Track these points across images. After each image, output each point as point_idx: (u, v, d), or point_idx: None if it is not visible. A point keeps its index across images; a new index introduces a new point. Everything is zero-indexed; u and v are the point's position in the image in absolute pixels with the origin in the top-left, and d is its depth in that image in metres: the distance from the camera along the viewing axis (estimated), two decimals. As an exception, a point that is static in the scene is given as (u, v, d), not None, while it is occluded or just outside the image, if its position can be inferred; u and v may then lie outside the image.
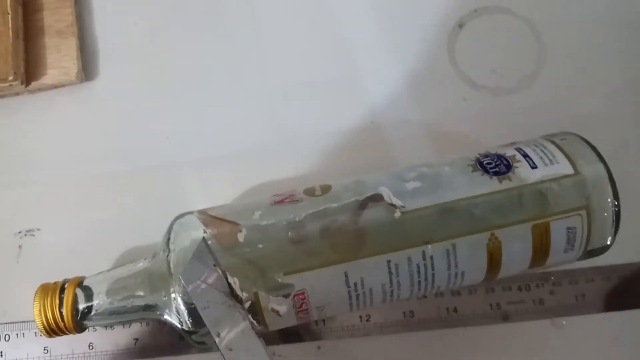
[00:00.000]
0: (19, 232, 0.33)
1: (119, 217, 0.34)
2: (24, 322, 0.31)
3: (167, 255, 0.26)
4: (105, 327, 0.31)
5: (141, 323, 0.31)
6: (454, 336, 0.32)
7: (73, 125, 0.35)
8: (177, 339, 0.31)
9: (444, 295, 0.32)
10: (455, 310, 0.32)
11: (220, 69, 0.37)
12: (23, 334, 0.31)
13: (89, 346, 0.31)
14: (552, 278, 0.33)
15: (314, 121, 0.35)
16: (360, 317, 0.32)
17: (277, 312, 0.26)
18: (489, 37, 0.37)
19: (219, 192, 0.33)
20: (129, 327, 0.31)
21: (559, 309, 0.32)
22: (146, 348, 0.31)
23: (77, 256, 0.32)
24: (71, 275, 0.28)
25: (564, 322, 0.32)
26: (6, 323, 0.31)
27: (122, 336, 0.31)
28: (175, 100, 0.36)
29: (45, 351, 0.31)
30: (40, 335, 0.28)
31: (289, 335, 0.31)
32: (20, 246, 0.33)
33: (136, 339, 0.31)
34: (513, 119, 0.35)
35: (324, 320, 0.32)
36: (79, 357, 0.31)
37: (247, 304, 0.26)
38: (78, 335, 0.28)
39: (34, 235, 0.33)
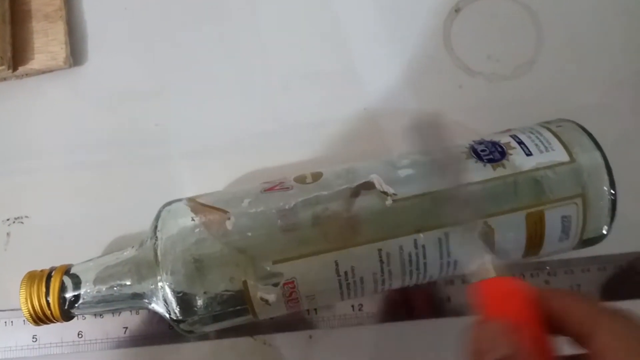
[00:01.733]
0: (7, 220, 0.33)
1: (109, 204, 0.33)
2: (12, 310, 0.31)
3: (154, 244, 0.26)
4: (95, 315, 0.31)
5: (131, 311, 0.31)
6: (448, 325, 0.31)
7: (61, 112, 0.35)
8: (168, 328, 0.31)
9: (437, 285, 0.32)
10: (448, 299, 0.32)
11: (213, 56, 0.36)
12: (12, 322, 0.31)
13: (78, 334, 0.31)
14: (547, 268, 0.32)
15: (308, 109, 0.35)
16: (353, 306, 0.31)
17: (266, 301, 0.26)
18: (486, 22, 0.36)
19: (211, 181, 0.33)
20: (119, 315, 0.31)
21: (553, 299, 0.32)
22: (136, 337, 0.31)
23: (66, 244, 0.32)
24: (60, 263, 0.28)
25: (559, 312, 0.32)
26: (-6, 311, 0.31)
27: (111, 325, 0.31)
28: (165, 87, 0.35)
29: (34, 339, 0.31)
30: (29, 323, 0.27)
31: (281, 325, 0.31)
32: (8, 233, 0.33)
33: (126, 328, 0.31)
34: (509, 107, 0.35)
35: (315, 309, 0.31)
36: (68, 345, 0.31)
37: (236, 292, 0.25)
38: (67, 323, 0.28)
39: (22, 222, 0.33)
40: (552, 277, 0.32)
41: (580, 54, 0.36)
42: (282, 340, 0.31)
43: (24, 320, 0.31)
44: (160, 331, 0.31)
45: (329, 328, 0.31)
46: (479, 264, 0.21)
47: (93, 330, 0.31)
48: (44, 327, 0.28)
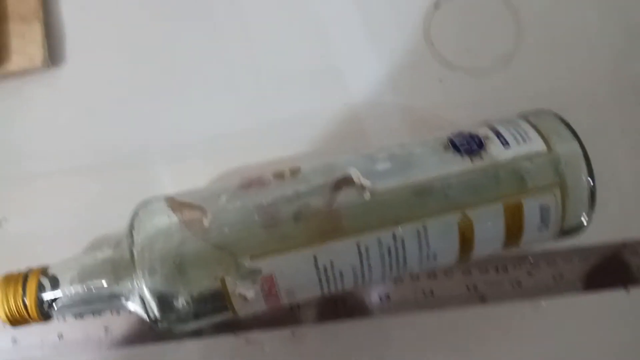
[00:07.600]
0: (-14, 223, 0.33)
1: (89, 205, 0.33)
2: (-9, 313, 0.31)
3: (130, 243, 0.26)
4: (75, 316, 0.31)
5: (111, 312, 0.31)
6: (431, 319, 0.31)
7: (40, 113, 0.34)
8: (149, 328, 0.31)
9: (420, 278, 0.32)
10: (431, 293, 0.32)
11: (192, 54, 0.36)
12: (-9, 325, 0.31)
13: (59, 336, 0.31)
14: (530, 259, 0.32)
15: (287, 105, 0.35)
16: (336, 301, 0.31)
17: (245, 297, 0.25)
18: (466, 16, 0.36)
19: (191, 179, 0.32)
20: (100, 316, 0.31)
21: (537, 290, 0.32)
22: (117, 338, 0.31)
23: (46, 246, 0.31)
24: (38, 265, 0.28)
25: (543, 303, 0.32)
26: (-27, 315, 0.31)
27: (92, 326, 0.31)
28: (145, 87, 0.35)
29: (14, 342, 0.30)
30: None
31: (264, 321, 0.31)
32: (-13, 237, 0.32)
33: (107, 328, 0.31)
34: (490, 100, 0.34)
35: (298, 305, 0.31)
36: (48, 347, 0.30)
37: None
38: (47, 325, 0.28)
39: (0, 225, 0.33)
40: (534, 269, 0.32)
41: (559, 46, 0.36)
42: (265, 337, 0.31)
43: (3, 324, 0.30)
44: (141, 331, 0.31)
45: (312, 324, 0.31)
46: None
47: (74, 331, 0.31)
48: (24, 330, 0.28)
